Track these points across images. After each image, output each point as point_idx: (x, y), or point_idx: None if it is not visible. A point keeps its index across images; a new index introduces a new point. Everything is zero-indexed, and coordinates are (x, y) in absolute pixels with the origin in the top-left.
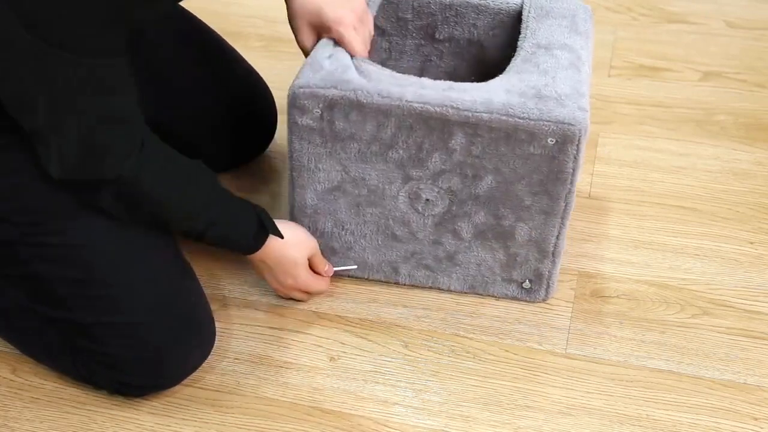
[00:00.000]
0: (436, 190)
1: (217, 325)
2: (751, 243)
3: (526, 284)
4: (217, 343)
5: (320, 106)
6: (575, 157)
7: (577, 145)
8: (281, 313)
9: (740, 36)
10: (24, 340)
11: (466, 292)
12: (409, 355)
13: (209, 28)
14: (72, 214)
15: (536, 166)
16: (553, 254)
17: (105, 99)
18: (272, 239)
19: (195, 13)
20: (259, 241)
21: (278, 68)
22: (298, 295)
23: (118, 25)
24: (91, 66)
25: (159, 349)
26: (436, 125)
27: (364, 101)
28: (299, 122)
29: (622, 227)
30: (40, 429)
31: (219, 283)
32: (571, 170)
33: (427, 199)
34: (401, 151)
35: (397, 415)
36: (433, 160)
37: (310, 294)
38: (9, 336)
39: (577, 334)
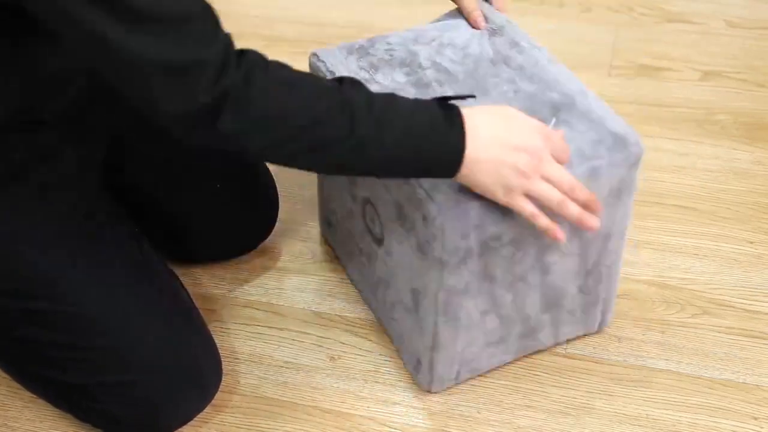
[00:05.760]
0: None
1: (217, 324)
2: (751, 242)
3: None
4: (218, 343)
5: None
6: None
7: None
8: (281, 312)
9: (740, 36)
10: (21, 381)
11: None
12: None
13: None
14: (56, 277)
15: None
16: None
17: None
18: (471, 115)
19: None
20: (455, 123)
21: None
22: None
23: None
24: None
25: (155, 405)
26: None
27: None
28: None
29: None
30: (40, 428)
31: (219, 282)
32: None
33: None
34: None
35: (397, 415)
36: None
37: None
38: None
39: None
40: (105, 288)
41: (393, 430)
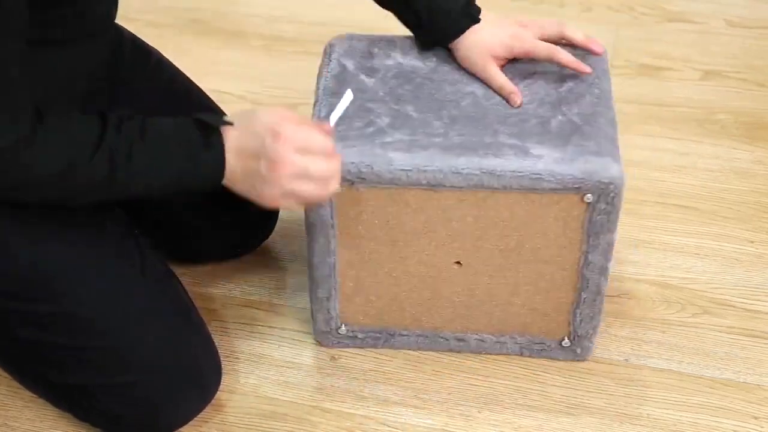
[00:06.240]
0: None
1: (217, 324)
2: (752, 242)
3: None
4: (218, 342)
5: None
6: None
7: None
8: (282, 312)
9: (741, 35)
10: (21, 380)
11: None
12: (409, 354)
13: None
14: (55, 278)
15: None
16: None
17: None
18: (225, 131)
19: (195, 11)
20: (213, 145)
21: (279, 67)
22: (306, 181)
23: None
24: None
25: (155, 405)
26: None
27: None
28: None
29: (622, 226)
30: (41, 428)
31: (219, 282)
32: None
33: None
34: None
35: (397, 414)
36: None
37: (323, 176)
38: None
39: None
40: (104, 288)
41: (393, 429)
